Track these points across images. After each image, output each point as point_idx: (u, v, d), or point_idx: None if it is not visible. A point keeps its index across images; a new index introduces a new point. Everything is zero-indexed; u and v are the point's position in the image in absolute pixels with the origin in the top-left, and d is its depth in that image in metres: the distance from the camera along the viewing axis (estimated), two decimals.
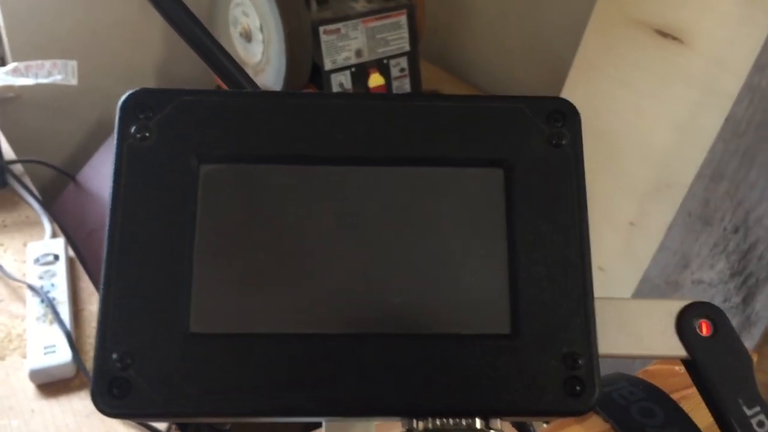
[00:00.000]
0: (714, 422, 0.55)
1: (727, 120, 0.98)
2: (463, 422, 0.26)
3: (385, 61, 1.27)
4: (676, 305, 0.28)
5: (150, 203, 0.26)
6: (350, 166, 0.28)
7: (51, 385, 0.83)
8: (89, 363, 0.86)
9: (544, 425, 0.54)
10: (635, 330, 0.28)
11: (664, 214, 1.04)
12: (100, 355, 0.25)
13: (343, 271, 0.27)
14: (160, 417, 0.25)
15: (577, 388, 0.26)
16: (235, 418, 0.26)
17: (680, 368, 0.57)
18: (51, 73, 1.09)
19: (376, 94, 0.28)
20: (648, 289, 1.05)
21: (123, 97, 0.27)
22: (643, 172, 1.07)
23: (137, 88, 0.27)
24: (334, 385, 0.25)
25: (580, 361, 0.26)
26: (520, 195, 0.27)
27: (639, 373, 0.57)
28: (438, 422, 0.26)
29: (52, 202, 1.25)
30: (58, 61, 1.09)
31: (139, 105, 0.27)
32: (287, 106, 0.27)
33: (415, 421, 0.26)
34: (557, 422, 0.52)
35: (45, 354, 0.83)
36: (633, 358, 0.27)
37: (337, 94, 0.28)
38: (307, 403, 0.25)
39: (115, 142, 0.27)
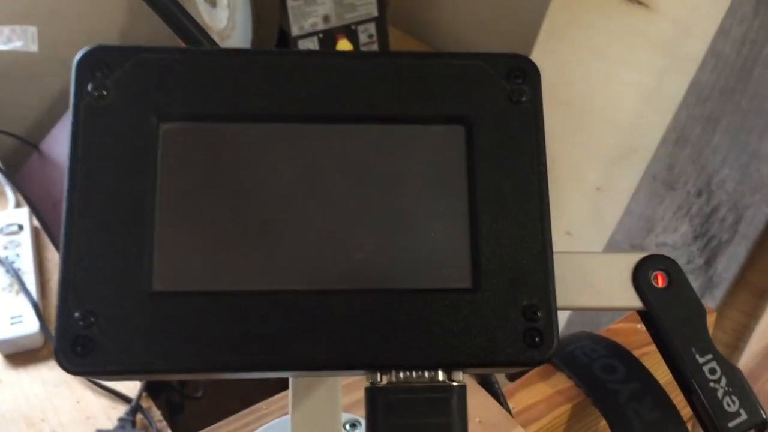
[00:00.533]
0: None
1: (691, 85, 0.99)
2: (426, 375, 0.27)
3: (353, 27, 1.26)
4: (632, 258, 0.29)
5: (109, 162, 0.26)
6: (312, 123, 0.27)
7: (19, 355, 0.83)
8: None
9: (509, 384, 0.55)
10: (593, 283, 0.28)
11: (630, 178, 1.06)
12: (63, 313, 0.25)
13: (305, 227, 0.27)
14: (124, 374, 0.25)
15: (537, 339, 0.26)
16: (200, 375, 0.26)
17: (642, 326, 0.58)
18: (10, 40, 1.06)
19: (338, 51, 0.28)
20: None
21: (79, 54, 0.26)
22: (610, 138, 1.08)
23: (93, 45, 0.27)
24: (297, 341, 0.26)
25: (539, 313, 0.26)
26: (481, 151, 0.28)
27: (602, 332, 0.58)
28: (401, 375, 0.27)
29: (16, 172, 1.22)
30: (17, 27, 1.06)
31: (96, 62, 0.26)
32: (248, 64, 0.27)
33: (378, 375, 0.27)
34: (522, 379, 0.54)
35: (12, 324, 0.83)
36: (590, 309, 0.28)
37: (299, 51, 0.28)
38: (271, 358, 0.25)
39: (71, 100, 0.26)
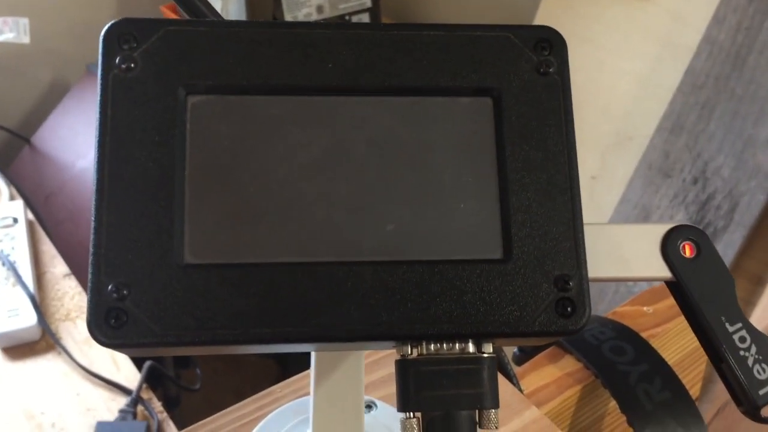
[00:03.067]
0: (684, 358, 0.57)
1: (686, 73, 1.00)
2: (456, 347, 0.27)
3: (346, 17, 1.26)
4: (660, 229, 0.29)
5: (137, 135, 0.26)
6: (339, 96, 0.27)
7: (16, 348, 0.82)
8: (54, 325, 0.84)
9: (516, 367, 0.55)
10: (622, 254, 0.29)
11: (625, 167, 1.06)
12: (96, 285, 0.24)
13: (335, 199, 0.27)
14: (157, 346, 0.25)
15: (569, 309, 0.26)
16: (232, 347, 0.26)
17: (648, 308, 0.59)
18: (2, 31, 1.05)
19: (365, 23, 0.27)
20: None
21: (106, 27, 0.26)
22: (605, 127, 1.08)
23: (119, 18, 0.26)
24: (329, 312, 0.25)
25: (570, 283, 0.26)
26: (509, 123, 0.27)
27: (609, 314, 0.58)
28: (432, 347, 0.27)
29: (7, 165, 1.21)
30: (9, 18, 1.05)
31: (123, 35, 0.26)
32: (275, 36, 0.27)
33: (409, 347, 0.27)
34: (531, 362, 0.54)
35: (9, 317, 0.82)
36: (620, 281, 0.28)
37: (326, 24, 0.28)
38: (302, 330, 0.25)
39: (99, 73, 0.26)
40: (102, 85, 0.26)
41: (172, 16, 1.25)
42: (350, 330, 0.25)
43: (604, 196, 1.10)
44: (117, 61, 0.26)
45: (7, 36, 1.04)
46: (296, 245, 0.26)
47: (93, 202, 0.25)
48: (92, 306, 0.24)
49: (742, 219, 0.98)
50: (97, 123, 0.26)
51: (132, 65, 0.26)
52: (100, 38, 0.26)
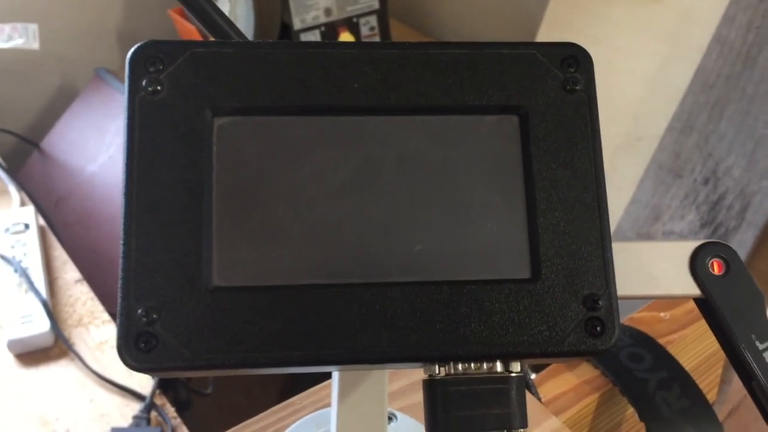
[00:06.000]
0: (700, 363, 0.57)
1: (696, 72, 0.99)
2: (484, 366, 0.27)
3: (354, 20, 1.26)
4: (689, 246, 0.29)
5: (165, 157, 0.26)
6: (365, 116, 0.27)
7: (30, 354, 0.82)
8: (67, 331, 0.85)
9: (533, 375, 0.55)
10: (650, 271, 0.28)
11: (636, 167, 1.06)
12: (125, 310, 0.24)
13: (363, 220, 0.26)
14: (186, 370, 0.25)
15: (598, 328, 0.26)
16: (261, 369, 0.26)
17: (665, 315, 0.58)
18: (11, 37, 1.05)
19: (389, 42, 0.27)
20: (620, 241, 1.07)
21: (132, 50, 0.26)
22: (615, 127, 1.08)
23: (145, 41, 0.26)
24: (358, 334, 0.25)
25: (600, 302, 0.26)
26: (536, 141, 0.27)
27: (625, 321, 0.58)
28: (459, 367, 0.27)
29: (17, 170, 1.21)
30: (18, 25, 1.05)
31: (149, 58, 0.26)
32: (301, 57, 0.27)
33: (437, 367, 0.27)
34: (549, 369, 0.54)
35: (23, 324, 0.82)
36: (649, 298, 0.28)
37: (350, 43, 0.27)
38: (332, 352, 0.25)
39: (125, 95, 0.26)
40: (129, 107, 0.26)
41: (181, 20, 1.25)
42: (379, 352, 0.25)
43: (614, 196, 1.09)
44: (143, 83, 0.26)
45: (17, 42, 1.04)
46: (324, 267, 0.26)
47: (121, 226, 0.25)
48: (122, 330, 0.24)
49: (753, 219, 0.98)
50: (125, 146, 0.26)
51: (158, 88, 0.26)
52: (127, 61, 0.26)
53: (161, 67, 0.26)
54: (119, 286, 0.24)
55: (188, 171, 0.26)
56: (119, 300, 0.24)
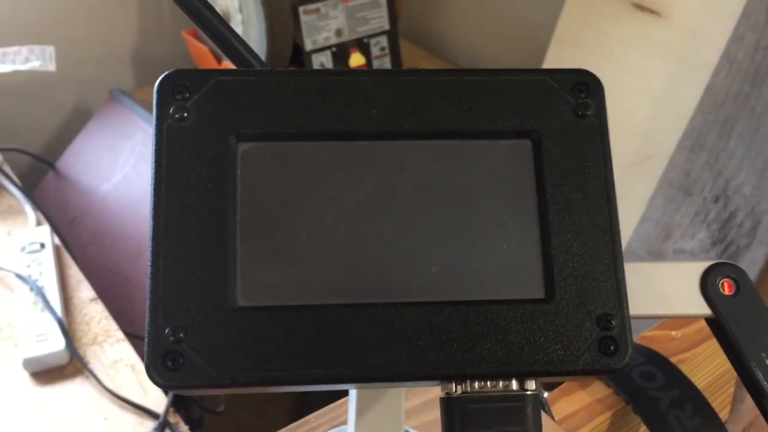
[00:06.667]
0: (712, 382, 0.58)
1: (706, 91, 1.00)
2: (500, 384, 0.27)
3: (365, 41, 1.27)
4: (699, 266, 0.29)
5: (191, 182, 0.27)
6: (383, 141, 0.28)
7: (45, 372, 0.83)
8: (82, 350, 0.85)
9: (546, 394, 0.56)
10: (662, 291, 0.29)
11: (646, 185, 1.06)
12: (153, 329, 0.25)
13: (382, 242, 0.27)
14: (212, 388, 0.25)
15: (611, 347, 0.27)
16: (283, 387, 0.27)
17: (677, 333, 0.59)
18: (29, 60, 1.07)
19: (405, 70, 0.28)
20: (631, 260, 1.08)
21: (159, 79, 0.27)
22: (625, 145, 1.09)
23: (172, 70, 0.27)
24: (378, 353, 0.26)
25: (613, 322, 0.27)
26: (549, 164, 0.28)
27: (637, 339, 0.59)
28: (476, 385, 0.27)
29: (33, 190, 1.23)
30: (36, 47, 1.07)
31: (176, 86, 0.27)
32: (321, 84, 0.28)
33: (453, 385, 0.27)
34: (561, 388, 0.54)
35: (38, 342, 0.83)
36: (660, 317, 0.28)
37: (368, 71, 0.28)
38: (353, 371, 0.26)
39: (154, 123, 0.27)
40: (157, 134, 0.27)
41: (194, 42, 1.27)
42: (398, 371, 0.26)
43: (624, 215, 1.10)
44: (171, 110, 0.27)
45: (34, 64, 1.06)
46: (344, 287, 0.27)
47: (150, 248, 0.26)
48: (150, 349, 0.25)
49: (764, 237, 0.98)
50: (153, 171, 0.26)
51: (185, 115, 0.27)
52: (155, 89, 0.27)
53: (187, 95, 0.27)
54: (147, 306, 0.25)
55: (213, 195, 0.27)
56: (147, 320, 0.25)
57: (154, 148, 0.27)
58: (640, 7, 1.07)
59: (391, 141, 0.28)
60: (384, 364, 0.26)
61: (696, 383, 0.53)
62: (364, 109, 0.28)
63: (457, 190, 0.28)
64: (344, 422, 0.46)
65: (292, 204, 0.27)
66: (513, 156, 0.28)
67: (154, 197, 0.26)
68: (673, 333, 0.57)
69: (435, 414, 0.28)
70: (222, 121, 0.27)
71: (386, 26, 1.29)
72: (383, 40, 1.29)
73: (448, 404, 0.27)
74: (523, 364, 0.27)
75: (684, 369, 0.54)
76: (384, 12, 1.28)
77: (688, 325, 0.58)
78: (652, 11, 1.06)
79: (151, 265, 0.26)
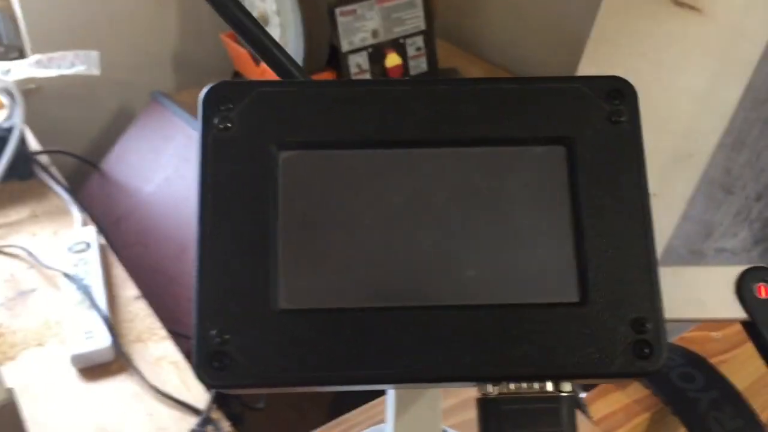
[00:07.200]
0: (753, 384, 0.57)
1: (747, 88, 0.98)
2: (536, 386, 0.28)
3: (401, 41, 1.28)
4: (734, 271, 0.30)
5: (235, 189, 0.28)
6: (420, 148, 0.29)
7: (92, 369, 0.85)
8: (127, 347, 0.88)
9: (584, 394, 0.56)
10: (697, 295, 0.29)
11: (686, 184, 1.05)
12: (200, 331, 0.26)
13: (419, 247, 0.28)
14: (256, 387, 0.27)
15: (646, 350, 0.27)
16: (324, 387, 0.28)
17: (716, 334, 0.58)
18: (74, 64, 1.10)
19: (441, 79, 0.29)
20: (672, 259, 1.06)
21: (204, 91, 0.28)
22: (664, 144, 1.07)
23: (217, 82, 0.29)
24: (415, 355, 0.27)
25: (648, 325, 0.27)
26: (583, 170, 0.29)
27: (676, 340, 0.58)
28: (512, 386, 0.28)
29: (78, 191, 1.26)
30: (80, 52, 1.10)
31: (221, 98, 0.28)
32: (359, 93, 0.29)
33: (490, 386, 0.28)
34: (598, 389, 0.54)
35: (85, 339, 0.85)
36: (696, 321, 0.29)
37: (405, 80, 0.29)
38: (392, 372, 0.27)
39: (199, 133, 0.28)
40: (202, 144, 0.28)
41: (233, 45, 1.29)
42: (436, 372, 0.27)
43: (664, 213, 1.09)
44: (216, 121, 0.28)
45: (79, 68, 1.09)
46: (383, 291, 0.28)
47: (196, 254, 0.27)
48: (198, 350, 0.26)
49: None
50: (199, 180, 0.28)
51: (229, 125, 0.28)
52: (200, 101, 0.28)
53: (231, 106, 0.28)
54: (194, 309, 0.26)
55: (256, 202, 0.28)
56: (194, 323, 0.26)
57: (199, 156, 0.28)
58: (680, 4, 1.06)
59: (428, 148, 0.29)
60: (422, 366, 0.27)
61: (736, 384, 0.53)
62: (400, 118, 0.29)
63: (492, 195, 0.29)
64: (381, 421, 0.47)
65: (331, 210, 0.28)
66: (547, 162, 0.29)
67: (200, 204, 0.27)
68: (713, 334, 0.57)
69: (470, 414, 0.29)
70: (264, 131, 0.28)
71: (422, 26, 1.29)
72: (419, 40, 1.30)
73: (484, 405, 0.28)
74: (557, 367, 0.27)
75: (724, 370, 0.54)
76: (420, 12, 1.29)
77: (728, 327, 0.58)
78: (691, 7, 1.05)
79: (197, 270, 0.27)
